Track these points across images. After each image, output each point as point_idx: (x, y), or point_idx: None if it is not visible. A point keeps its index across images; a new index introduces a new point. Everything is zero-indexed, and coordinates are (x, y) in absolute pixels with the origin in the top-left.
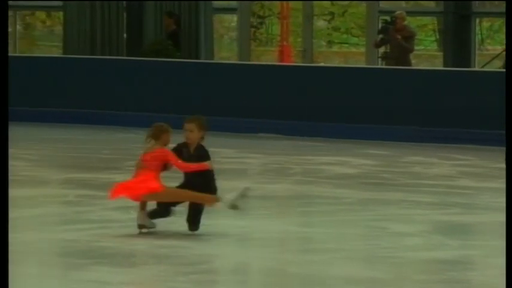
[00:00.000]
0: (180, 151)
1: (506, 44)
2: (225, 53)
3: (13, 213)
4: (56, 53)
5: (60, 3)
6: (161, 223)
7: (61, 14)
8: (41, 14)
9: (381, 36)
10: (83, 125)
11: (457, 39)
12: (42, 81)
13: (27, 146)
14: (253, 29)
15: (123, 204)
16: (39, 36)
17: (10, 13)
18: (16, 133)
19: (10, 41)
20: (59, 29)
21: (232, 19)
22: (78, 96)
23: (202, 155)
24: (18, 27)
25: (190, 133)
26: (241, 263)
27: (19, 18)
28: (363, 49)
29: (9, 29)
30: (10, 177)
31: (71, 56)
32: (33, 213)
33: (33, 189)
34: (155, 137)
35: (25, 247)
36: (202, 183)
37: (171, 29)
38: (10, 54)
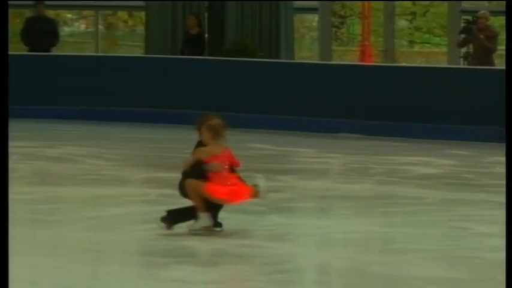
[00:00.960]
0: None
1: (507, 44)
2: (306, 52)
3: (95, 212)
4: (138, 52)
5: (142, 3)
6: (242, 223)
7: (143, 13)
8: (123, 14)
9: (463, 36)
10: (165, 125)
11: None
12: (123, 81)
13: (109, 145)
14: (334, 29)
15: None
16: (121, 36)
17: (92, 13)
18: (98, 132)
19: (92, 41)
20: (140, 28)
21: (313, 19)
22: (160, 95)
23: None
24: (100, 27)
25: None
26: (322, 263)
27: (101, 18)
28: (444, 49)
29: (92, 29)
30: (93, 177)
31: (153, 55)
32: (116, 212)
33: (115, 188)
34: (219, 135)
35: (108, 246)
36: None
37: (195, 31)
38: (93, 54)
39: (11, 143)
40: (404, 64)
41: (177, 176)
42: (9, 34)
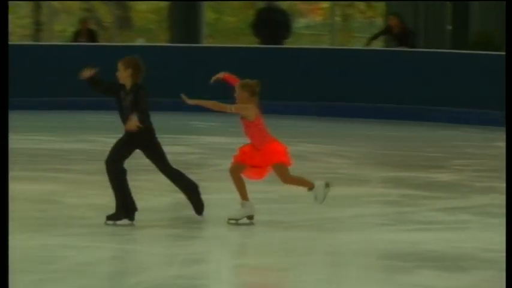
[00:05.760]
0: (118, 92)
1: (507, 44)
2: None
3: (333, 213)
4: (376, 45)
5: None
6: (487, 226)
7: (382, 4)
8: (361, 4)
9: None
10: (407, 122)
11: None
12: (362, 76)
13: (347, 143)
14: None
15: (448, 205)
16: (358, 28)
17: (327, 4)
18: (336, 130)
19: (329, 33)
20: (379, 20)
21: None
22: (405, 91)
23: (136, 95)
24: (336, 18)
25: (118, 72)
26: None
27: (338, 9)
28: None
29: (328, 21)
30: (330, 175)
31: (391, 49)
32: (354, 213)
33: (353, 188)
34: (254, 94)
35: (346, 248)
36: None
37: (397, 30)
38: (328, 46)
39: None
40: None
41: (420, 175)
42: (242, 25)
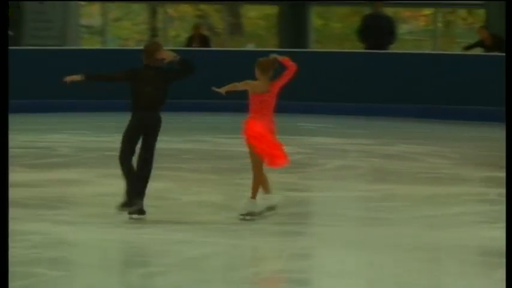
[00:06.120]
0: None
1: (507, 45)
2: None
3: (433, 211)
4: (476, 51)
5: (481, 2)
6: None
7: (483, 11)
8: (463, 12)
9: None
10: (499, 124)
11: None
12: (465, 79)
13: (449, 144)
14: None
15: None
16: (460, 34)
17: (429, 11)
18: (439, 131)
19: (428, 39)
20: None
21: None
22: (496, 94)
23: None
24: (439, 24)
25: None
26: None
27: (440, 16)
28: None
29: (431, 27)
30: (431, 175)
31: (490, 54)
32: (454, 211)
33: (453, 187)
34: (264, 71)
35: (446, 245)
36: None
37: (489, 42)
38: (430, 51)
39: (350, 141)
40: None
41: None
42: (348, 31)
